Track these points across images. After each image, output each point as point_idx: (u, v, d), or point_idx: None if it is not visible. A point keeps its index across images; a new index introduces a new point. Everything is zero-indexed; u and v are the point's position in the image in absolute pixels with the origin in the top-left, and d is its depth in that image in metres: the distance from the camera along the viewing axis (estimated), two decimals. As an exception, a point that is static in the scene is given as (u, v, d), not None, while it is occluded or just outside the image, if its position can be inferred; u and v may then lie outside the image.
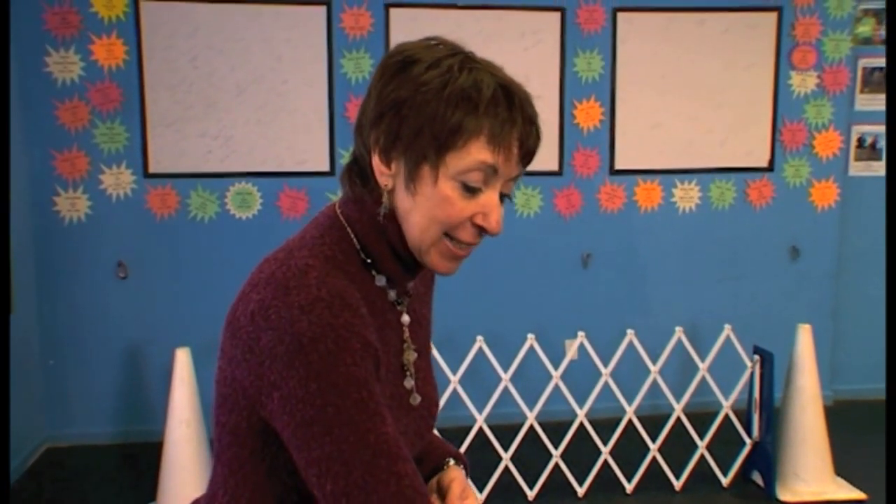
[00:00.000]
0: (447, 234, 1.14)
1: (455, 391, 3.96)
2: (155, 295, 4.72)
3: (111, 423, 4.76)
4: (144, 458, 4.27)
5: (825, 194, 5.29)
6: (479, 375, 4.12)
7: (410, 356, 1.24)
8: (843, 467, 4.21)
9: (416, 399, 1.25)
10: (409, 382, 1.23)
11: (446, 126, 1.07)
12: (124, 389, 4.78)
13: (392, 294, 1.22)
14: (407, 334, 1.24)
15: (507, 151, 1.09)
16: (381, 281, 1.19)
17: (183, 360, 3.74)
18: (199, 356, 3.82)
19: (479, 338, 4.00)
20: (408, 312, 1.25)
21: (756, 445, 4.17)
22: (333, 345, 1.03)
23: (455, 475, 1.36)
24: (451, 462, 1.40)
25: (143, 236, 4.68)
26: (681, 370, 4.51)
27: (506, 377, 3.99)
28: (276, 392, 1.05)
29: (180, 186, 4.68)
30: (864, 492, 4.10)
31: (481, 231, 1.14)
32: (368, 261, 1.17)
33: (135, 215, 4.66)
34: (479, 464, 4.02)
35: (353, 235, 1.16)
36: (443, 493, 1.32)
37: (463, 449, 3.96)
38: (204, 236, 4.71)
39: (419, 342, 1.27)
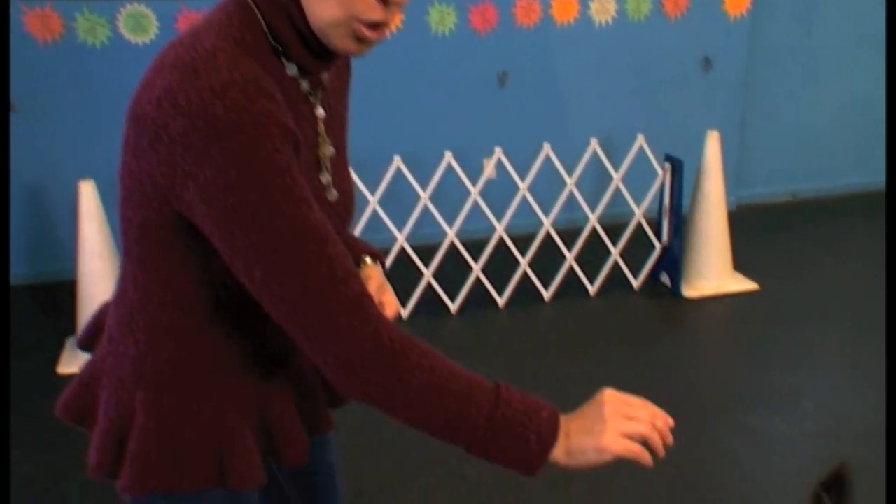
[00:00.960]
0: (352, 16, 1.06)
1: (375, 212, 3.96)
2: (50, 128, 4.43)
3: (22, 265, 4.62)
4: (60, 296, 4.19)
5: (737, 2, 5.25)
6: (398, 196, 4.12)
7: (326, 150, 1.19)
8: (742, 264, 4.50)
9: (333, 195, 1.21)
10: (326, 177, 1.19)
11: None
12: (31, 229, 4.60)
13: (304, 85, 1.15)
14: (322, 128, 1.18)
15: None
16: (292, 70, 1.11)
17: (88, 192, 3.59)
18: (105, 188, 3.66)
19: (397, 157, 3.95)
20: (322, 107, 1.18)
21: (665, 249, 4.38)
22: (252, 130, 0.97)
23: (372, 273, 1.36)
24: (368, 260, 1.39)
25: (27, 65, 4.32)
26: (596, 182, 4.60)
27: (425, 196, 4.00)
28: (192, 182, 0.99)
29: (63, 8, 4.28)
30: (758, 283, 4.42)
31: (385, 2, 1.05)
32: (278, 47, 1.09)
33: (14, 42, 4.27)
34: (402, 282, 4.11)
35: (260, 18, 1.07)
36: None
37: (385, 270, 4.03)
38: (96, 64, 4.38)
39: (335, 138, 1.22)
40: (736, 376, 3.63)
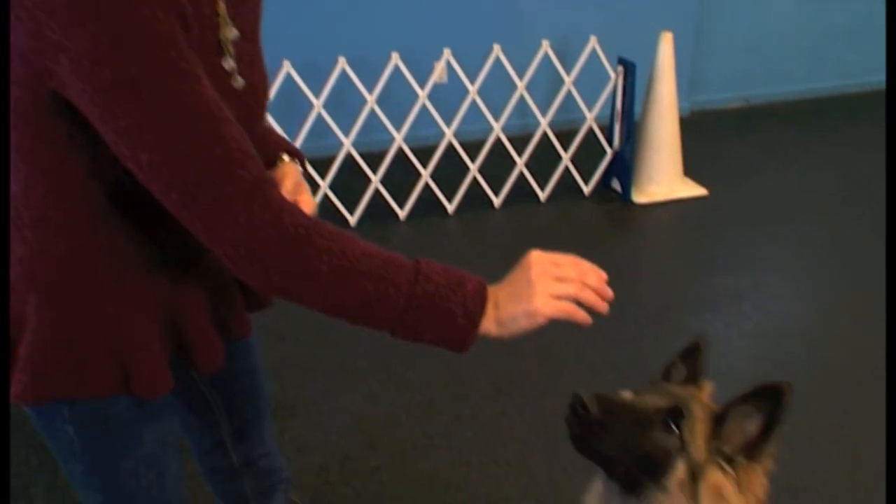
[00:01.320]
0: None
1: (319, 117, 3.85)
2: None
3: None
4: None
5: None
6: (343, 100, 3.99)
7: (228, 33, 1.08)
8: (692, 170, 4.51)
9: (239, 82, 1.11)
10: (229, 63, 1.09)
11: None
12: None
13: None
14: (222, 8, 1.07)
15: None
16: None
17: None
18: None
19: (342, 59, 3.81)
20: None
21: (616, 155, 4.36)
22: None
23: (288, 170, 1.28)
24: (286, 157, 1.33)
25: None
26: (548, 86, 4.51)
27: (371, 99, 3.89)
28: (64, 55, 0.89)
29: None
30: (707, 189, 4.44)
31: None
32: None
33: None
34: (350, 189, 4.05)
35: None
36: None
37: (331, 177, 3.95)
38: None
39: (241, 22, 1.12)
40: (681, 280, 3.68)
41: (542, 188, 4.33)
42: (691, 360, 1.17)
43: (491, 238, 4.08)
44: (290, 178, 1.27)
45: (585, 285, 1.04)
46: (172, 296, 1.16)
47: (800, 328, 3.25)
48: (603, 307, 1.05)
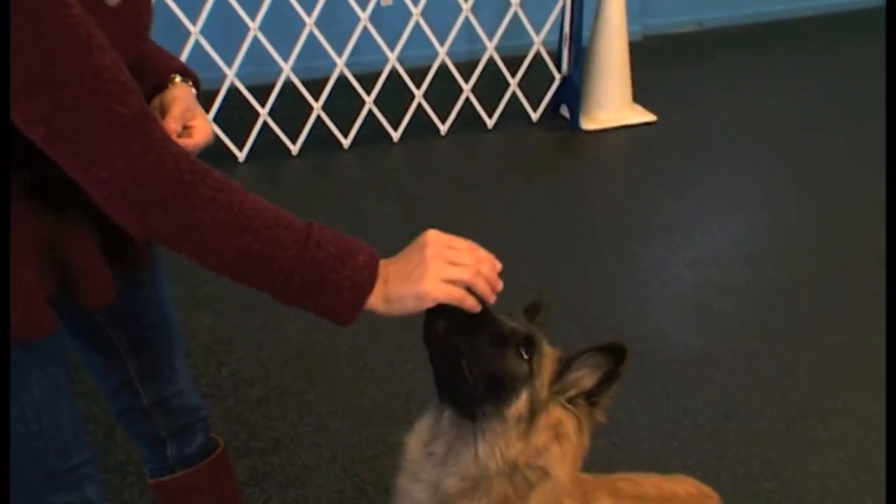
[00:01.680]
0: None
1: (256, 40, 3.67)
2: None
3: None
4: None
5: None
6: (281, 23, 3.81)
7: None
8: (642, 95, 4.44)
9: None
10: None
11: None
12: None
13: None
14: None
15: None
16: None
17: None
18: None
19: (277, -21, 3.62)
20: None
21: (565, 80, 4.26)
22: None
23: (180, 93, 1.17)
24: (178, 78, 1.21)
25: None
26: (495, 10, 4.37)
27: (310, 21, 3.71)
28: None
29: None
30: (656, 115, 4.39)
31: None
32: None
33: None
34: (290, 117, 3.91)
35: None
36: (164, 113, 1.15)
37: (270, 103, 3.80)
38: None
39: None
40: (628, 207, 3.66)
41: (490, 115, 4.23)
42: (531, 315, 1.16)
43: (437, 166, 4.00)
44: (180, 101, 1.16)
45: (479, 273, 0.99)
46: (51, 226, 1.06)
47: (744, 253, 3.26)
48: (491, 298, 1.01)
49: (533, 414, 1.04)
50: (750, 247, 3.32)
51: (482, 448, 1.04)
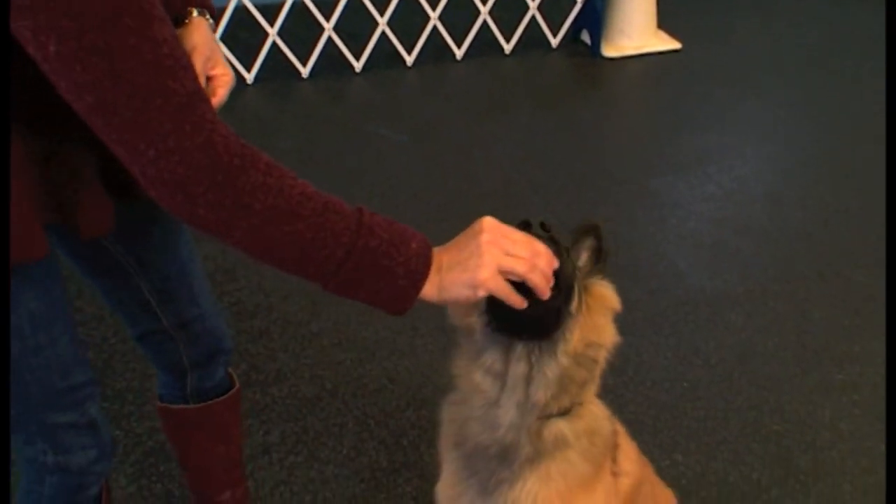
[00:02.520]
0: None
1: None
2: None
3: None
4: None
5: None
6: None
7: None
8: (667, 22, 4.25)
9: None
10: None
11: None
12: None
13: None
14: None
15: None
16: None
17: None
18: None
19: None
20: None
21: (586, 4, 4.07)
22: None
23: (199, 39, 1.10)
24: (195, 12, 1.12)
25: None
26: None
27: (320, -64, 3.54)
28: None
29: None
30: (681, 43, 4.20)
31: None
32: None
33: None
34: (301, 38, 3.76)
35: None
36: None
37: (280, 23, 3.66)
38: None
39: None
40: (646, 140, 3.53)
41: (508, 40, 4.06)
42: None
43: (451, 92, 3.86)
44: (199, 51, 1.09)
45: (535, 267, 0.94)
46: (46, 149, 1.01)
47: (764, 191, 3.15)
48: (546, 294, 0.96)
49: (580, 300, 1.06)
50: (771, 186, 3.20)
51: (561, 351, 1.06)
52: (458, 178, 3.03)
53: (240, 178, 0.86)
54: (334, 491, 1.82)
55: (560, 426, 1.13)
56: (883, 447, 2.08)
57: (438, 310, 2.41)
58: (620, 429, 1.31)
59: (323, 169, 3.07)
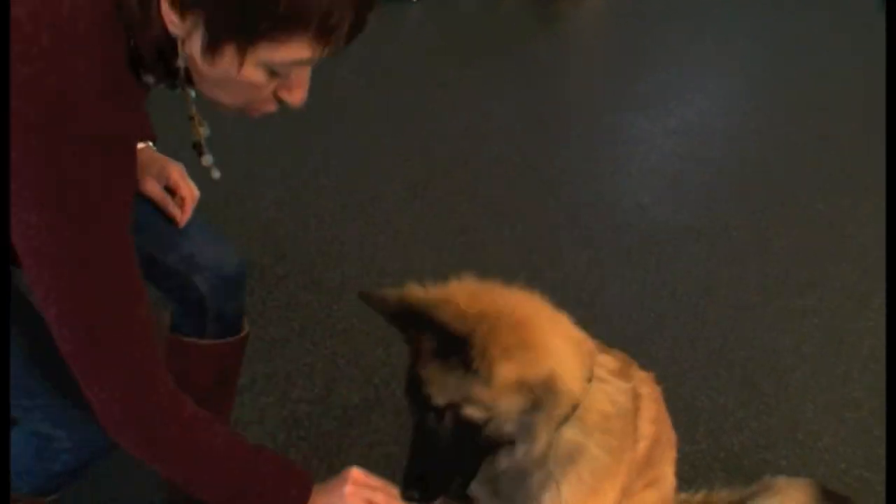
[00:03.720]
0: None
1: None
2: None
3: None
4: None
5: None
6: None
7: (203, 132, 1.10)
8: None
9: (216, 174, 1.15)
10: (207, 160, 1.14)
11: (272, 12, 0.80)
12: None
13: None
14: (194, 110, 1.07)
15: (335, 43, 0.86)
16: None
17: None
18: None
19: None
20: None
21: (544, -59, 4.01)
22: None
23: (143, 160, 1.21)
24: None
25: None
26: None
27: None
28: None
29: None
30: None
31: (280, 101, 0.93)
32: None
33: None
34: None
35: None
36: None
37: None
38: None
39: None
40: (607, 78, 3.52)
41: (465, -21, 3.99)
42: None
43: (406, 35, 3.78)
44: (148, 171, 1.21)
45: None
46: None
47: (725, 125, 3.17)
48: None
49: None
50: (730, 119, 3.22)
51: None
52: (419, 121, 2.98)
53: (159, 431, 1.01)
54: (307, 429, 1.81)
55: (567, 435, 1.09)
56: (842, 369, 2.14)
57: (405, 249, 2.38)
58: (646, 390, 1.27)
59: (292, 116, 2.99)
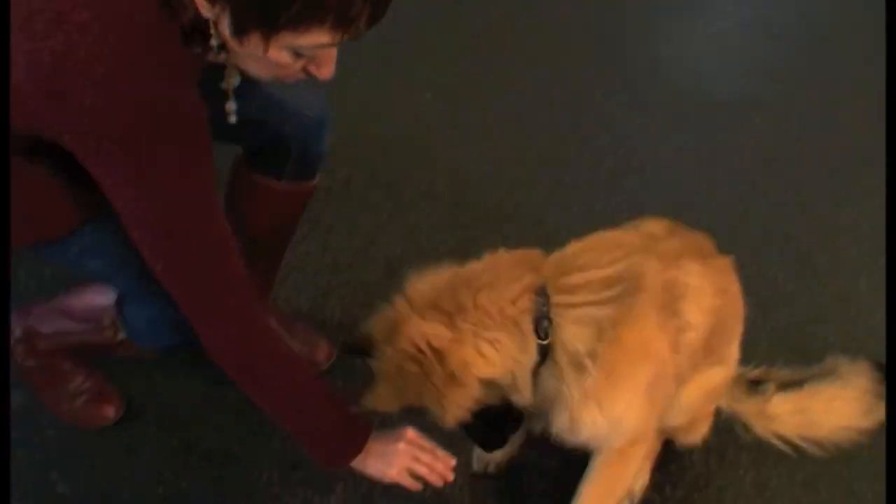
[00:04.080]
0: None
1: None
2: None
3: None
4: None
5: None
6: None
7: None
8: None
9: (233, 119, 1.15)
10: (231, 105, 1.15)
11: (288, 9, 0.88)
12: None
13: None
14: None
15: (354, 30, 0.92)
16: None
17: None
18: None
19: None
20: None
21: None
22: None
23: None
24: None
25: None
26: None
27: None
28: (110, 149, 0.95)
29: None
30: None
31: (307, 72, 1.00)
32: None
33: None
34: None
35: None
36: None
37: None
38: None
39: None
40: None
41: None
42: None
43: None
44: None
45: (433, 470, 1.26)
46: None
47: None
48: (439, 484, 1.29)
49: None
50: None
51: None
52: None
53: (253, 362, 1.13)
54: (348, 276, 1.81)
55: (546, 376, 1.13)
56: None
57: (452, 106, 2.24)
58: (694, 281, 1.20)
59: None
